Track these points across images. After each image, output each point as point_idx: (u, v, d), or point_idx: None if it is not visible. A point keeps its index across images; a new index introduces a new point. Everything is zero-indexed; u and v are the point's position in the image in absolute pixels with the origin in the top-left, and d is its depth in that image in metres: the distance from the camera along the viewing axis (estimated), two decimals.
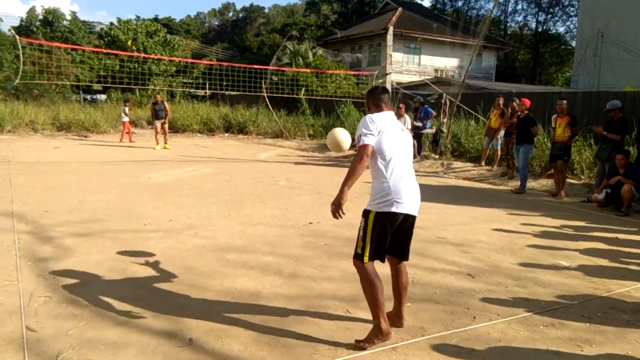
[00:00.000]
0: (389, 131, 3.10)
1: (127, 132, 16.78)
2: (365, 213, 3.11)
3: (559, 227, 6.72)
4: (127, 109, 16.75)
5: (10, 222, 5.65)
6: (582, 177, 10.28)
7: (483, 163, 12.19)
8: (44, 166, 10.33)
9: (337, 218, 3.08)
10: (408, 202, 3.10)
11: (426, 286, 4.19)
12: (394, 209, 3.05)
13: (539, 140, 10.71)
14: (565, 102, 9.10)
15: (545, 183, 10.20)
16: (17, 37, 11.05)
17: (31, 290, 3.73)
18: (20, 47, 11.22)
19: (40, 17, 31.26)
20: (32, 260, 4.42)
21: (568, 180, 9.57)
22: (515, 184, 10.11)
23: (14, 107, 18.27)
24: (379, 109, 3.26)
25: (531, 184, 10.09)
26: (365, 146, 3.01)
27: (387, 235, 3.09)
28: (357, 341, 3.08)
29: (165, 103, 15.42)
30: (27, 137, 16.54)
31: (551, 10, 43.37)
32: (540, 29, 44.42)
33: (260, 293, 3.89)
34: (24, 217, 5.92)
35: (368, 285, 3.07)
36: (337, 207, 3.04)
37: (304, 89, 21.26)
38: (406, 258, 3.33)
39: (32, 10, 32.02)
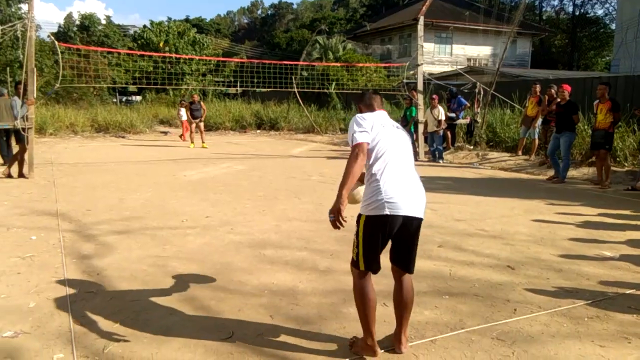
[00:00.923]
0: (381, 128, 2.87)
1: (186, 131, 17.17)
2: (358, 217, 2.85)
3: (602, 217, 6.50)
4: (183, 109, 17.12)
5: (55, 221, 5.87)
6: (626, 164, 9.91)
7: (520, 152, 11.89)
8: (85, 167, 10.68)
9: (338, 228, 2.72)
10: (404, 202, 2.74)
11: (464, 279, 4.13)
12: (385, 212, 2.70)
13: (579, 128, 10.37)
14: (605, 86, 8.75)
15: (587, 171, 9.87)
16: (56, 42, 11.41)
17: (77, 287, 3.86)
18: (59, 52, 11.57)
19: (77, 22, 32.23)
20: (76, 258, 4.58)
21: (611, 167, 9.23)
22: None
23: (55, 111, 18.98)
24: (370, 109, 3.06)
25: (572, 172, 9.78)
26: (359, 144, 2.74)
27: (380, 242, 2.78)
28: (351, 339, 2.98)
29: (202, 102, 15.72)
30: (68, 139, 17.13)
31: None
32: (577, 13, 42.86)
33: (297, 288, 3.91)
34: (67, 216, 6.14)
35: (359, 297, 2.82)
36: (336, 215, 2.67)
37: (334, 83, 21.21)
38: (410, 269, 2.93)
39: (69, 17, 33.23)
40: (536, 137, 11.37)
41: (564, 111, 9.19)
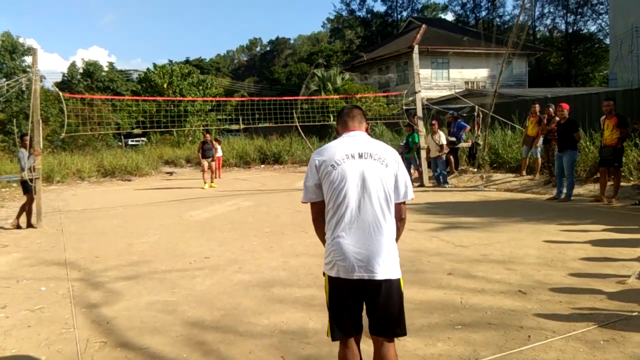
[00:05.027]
0: (332, 170, 2.44)
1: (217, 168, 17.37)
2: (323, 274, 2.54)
3: (611, 233, 6.45)
4: (218, 145, 17.69)
5: (64, 271, 5.88)
6: (631, 178, 9.86)
7: (524, 172, 11.89)
8: (93, 212, 10.75)
9: None
10: (357, 262, 2.34)
11: (475, 307, 4.08)
12: (334, 274, 2.40)
13: (581, 144, 10.38)
14: (611, 102, 8.73)
15: (592, 188, 9.84)
16: (60, 93, 11.67)
17: (87, 337, 3.85)
18: (63, 101, 11.84)
19: (81, 70, 33.01)
20: (86, 307, 4.57)
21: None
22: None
23: (61, 159, 19.23)
24: (345, 128, 2.66)
25: (577, 190, 9.75)
26: (308, 203, 2.61)
27: (342, 304, 2.42)
28: None
29: (214, 142, 15.82)
30: (75, 186, 17.31)
31: (580, 10, 42.41)
32: (570, 30, 43.46)
33: (307, 325, 3.88)
34: (76, 265, 6.16)
35: None
36: None
37: (332, 115, 21.45)
38: (389, 334, 2.42)
39: (72, 65, 33.95)
40: (539, 156, 11.39)
41: (564, 130, 9.23)
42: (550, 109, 10.47)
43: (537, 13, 44.55)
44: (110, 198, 13.42)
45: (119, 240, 7.55)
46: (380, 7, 56.95)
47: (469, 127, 13.88)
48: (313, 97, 22.69)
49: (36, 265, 6.21)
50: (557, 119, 9.61)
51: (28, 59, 26.13)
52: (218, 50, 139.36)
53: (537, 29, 46.24)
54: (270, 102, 16.22)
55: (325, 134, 22.61)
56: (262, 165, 22.10)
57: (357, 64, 36.32)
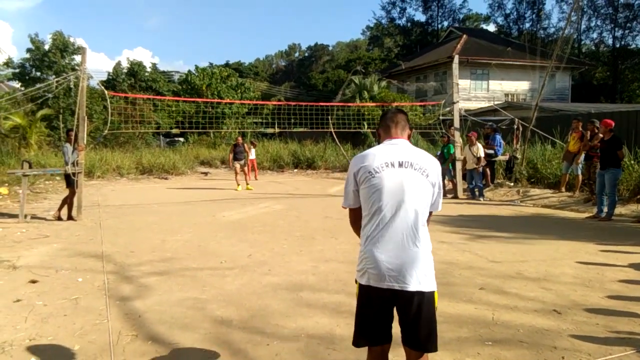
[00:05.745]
0: (373, 174, 2.40)
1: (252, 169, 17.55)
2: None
3: None
4: (253, 148, 18.00)
5: (100, 263, 6.07)
6: None
7: (563, 189, 11.54)
8: (130, 208, 11.05)
9: None
10: (388, 272, 2.32)
11: (507, 324, 3.98)
12: (364, 281, 2.40)
13: (625, 163, 10.01)
14: None
15: (635, 208, 9.46)
16: (106, 91, 12.07)
17: (119, 329, 3.95)
18: (108, 99, 12.23)
19: (125, 69, 34.02)
20: (119, 299, 4.70)
21: None
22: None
23: (102, 155, 19.85)
24: (387, 134, 2.59)
25: (619, 209, 9.39)
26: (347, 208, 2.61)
27: (371, 312, 2.40)
28: None
29: (246, 145, 16.04)
30: (114, 182, 17.82)
31: (629, 25, 40.97)
32: (618, 45, 42.03)
33: (334, 332, 3.87)
34: (112, 258, 6.34)
35: None
36: None
37: (366, 123, 21.39)
38: (419, 348, 2.39)
39: (118, 64, 34.97)
40: (579, 173, 11.04)
41: (608, 147, 8.93)
42: (594, 125, 10.15)
43: (583, 26, 43.33)
44: (147, 195, 13.76)
45: (154, 237, 7.73)
46: (420, 17, 56.49)
47: (493, 150, 13.41)
48: (349, 104, 22.70)
49: (74, 257, 6.43)
50: (601, 135, 9.31)
51: (77, 58, 27.13)
52: (257, 54, 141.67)
53: (582, 42, 44.99)
54: (305, 107, 16.30)
55: (359, 141, 22.59)
56: (295, 170, 22.23)
57: (394, 73, 36.12)
